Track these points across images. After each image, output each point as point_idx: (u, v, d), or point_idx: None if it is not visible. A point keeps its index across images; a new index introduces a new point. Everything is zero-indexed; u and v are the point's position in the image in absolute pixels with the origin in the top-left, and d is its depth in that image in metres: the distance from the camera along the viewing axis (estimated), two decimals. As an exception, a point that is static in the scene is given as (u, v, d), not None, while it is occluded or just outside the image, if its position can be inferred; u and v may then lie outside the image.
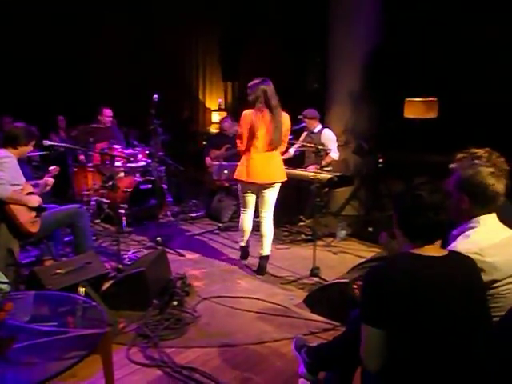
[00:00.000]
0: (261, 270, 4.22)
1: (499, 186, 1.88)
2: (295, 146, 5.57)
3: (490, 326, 1.71)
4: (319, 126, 5.63)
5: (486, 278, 1.75)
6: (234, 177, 4.20)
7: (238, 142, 4.15)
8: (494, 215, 1.92)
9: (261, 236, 4.22)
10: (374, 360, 1.64)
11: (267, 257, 4.24)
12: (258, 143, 3.99)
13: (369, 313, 1.63)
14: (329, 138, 5.54)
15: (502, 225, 1.93)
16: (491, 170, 1.87)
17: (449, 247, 1.85)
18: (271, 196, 4.14)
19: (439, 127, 5.67)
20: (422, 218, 1.65)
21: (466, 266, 1.70)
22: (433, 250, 1.69)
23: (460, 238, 1.89)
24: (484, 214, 1.89)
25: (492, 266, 1.77)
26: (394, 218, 1.76)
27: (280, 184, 4.15)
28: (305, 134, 5.72)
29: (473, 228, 1.90)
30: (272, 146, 4.01)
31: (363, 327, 1.64)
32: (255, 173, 4.02)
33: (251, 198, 4.24)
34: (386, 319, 1.58)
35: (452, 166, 1.99)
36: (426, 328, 1.56)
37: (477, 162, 1.89)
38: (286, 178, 4.15)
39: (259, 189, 4.15)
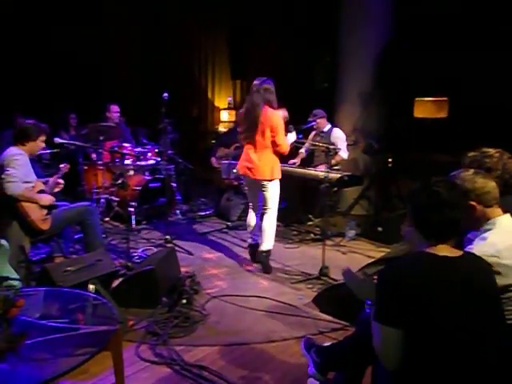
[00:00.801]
0: (262, 266, 4.25)
1: (491, 182, 1.90)
2: (305, 145, 5.56)
3: (504, 327, 1.69)
4: (328, 126, 5.62)
5: (502, 281, 1.74)
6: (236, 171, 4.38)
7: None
8: (508, 216, 1.91)
9: (261, 232, 4.27)
10: (392, 359, 1.62)
11: (267, 251, 4.26)
12: (243, 139, 4.22)
13: (383, 312, 1.62)
14: (338, 137, 5.52)
15: None
16: (471, 172, 1.91)
17: (467, 246, 1.84)
18: (266, 194, 4.18)
19: (449, 127, 5.64)
20: (438, 215, 1.64)
21: (481, 268, 1.69)
22: (448, 251, 1.68)
23: (477, 240, 1.88)
24: (497, 211, 1.88)
25: (510, 268, 1.75)
26: (408, 215, 1.75)
27: (274, 183, 4.16)
28: (313, 133, 5.69)
29: (489, 230, 1.89)
30: (249, 141, 4.13)
31: (378, 326, 1.63)
32: (241, 166, 4.23)
33: (248, 193, 4.40)
34: (401, 318, 1.57)
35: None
36: (439, 328, 1.55)
37: (461, 173, 1.93)
38: (274, 177, 4.13)
39: (255, 186, 4.23)
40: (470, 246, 1.86)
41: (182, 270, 3.93)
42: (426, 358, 1.57)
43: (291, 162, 5.52)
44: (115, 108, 6.04)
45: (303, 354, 2.53)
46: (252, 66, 8.63)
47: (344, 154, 5.48)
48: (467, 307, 1.58)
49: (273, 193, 4.18)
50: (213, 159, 6.40)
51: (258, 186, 4.20)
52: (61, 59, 6.85)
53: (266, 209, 4.23)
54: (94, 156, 5.82)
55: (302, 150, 5.70)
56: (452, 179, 1.92)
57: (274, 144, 4.06)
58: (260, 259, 4.28)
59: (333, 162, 5.15)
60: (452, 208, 1.64)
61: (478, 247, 1.81)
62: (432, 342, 1.56)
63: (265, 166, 4.10)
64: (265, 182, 4.14)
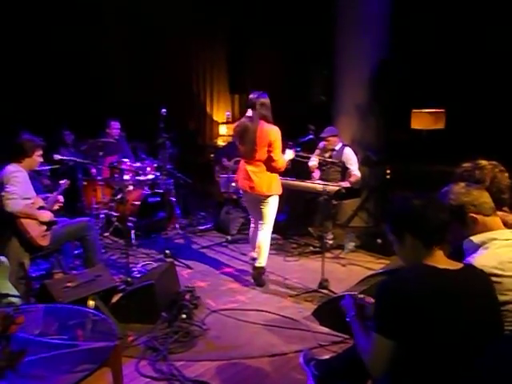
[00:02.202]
0: (256, 281, 4.24)
1: (484, 192, 1.91)
2: (312, 158, 5.46)
3: (503, 339, 1.70)
4: (340, 144, 5.46)
5: (502, 297, 1.73)
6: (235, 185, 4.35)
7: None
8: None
9: (256, 247, 4.26)
10: (380, 368, 1.66)
11: (260, 268, 4.23)
12: (241, 154, 4.24)
13: (383, 324, 1.63)
14: (349, 157, 5.37)
15: None
16: (463, 185, 1.91)
17: (467, 258, 1.84)
18: (265, 209, 4.16)
19: (447, 138, 5.67)
20: (435, 214, 1.68)
21: (481, 281, 1.70)
22: (447, 263, 1.69)
23: (480, 250, 1.88)
24: (497, 221, 1.89)
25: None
26: (394, 230, 1.77)
27: (273, 198, 4.14)
28: (321, 147, 5.55)
29: (493, 240, 1.88)
30: (246, 157, 4.15)
31: (376, 337, 1.64)
32: (240, 180, 4.24)
33: (248, 208, 4.44)
34: (400, 331, 1.58)
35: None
36: (439, 341, 1.56)
37: (453, 188, 1.92)
38: (273, 193, 4.12)
39: (253, 200, 4.22)
40: (472, 255, 1.86)
41: (182, 284, 3.93)
42: (426, 371, 1.58)
43: (315, 176, 5.39)
44: (116, 125, 6.09)
45: (303, 367, 2.53)
46: (250, 80, 8.71)
47: (358, 173, 5.36)
48: (467, 321, 1.59)
49: (270, 208, 4.16)
50: (224, 160, 6.43)
51: (257, 201, 4.19)
52: (58, 74, 6.90)
53: (261, 224, 4.22)
54: (93, 171, 5.84)
55: (314, 162, 5.53)
56: (444, 195, 1.93)
57: (271, 159, 4.04)
58: (253, 275, 4.27)
59: (351, 181, 5.19)
60: (443, 209, 1.70)
61: (480, 259, 1.81)
62: (433, 355, 1.57)
63: (263, 182, 4.09)
64: (263, 197, 4.13)
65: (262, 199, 4.14)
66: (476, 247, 1.88)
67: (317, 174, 5.48)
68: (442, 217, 1.69)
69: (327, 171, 5.37)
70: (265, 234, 4.21)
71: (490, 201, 1.93)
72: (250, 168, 4.12)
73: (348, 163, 5.33)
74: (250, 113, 4.08)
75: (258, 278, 4.25)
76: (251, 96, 4.10)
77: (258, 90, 4.20)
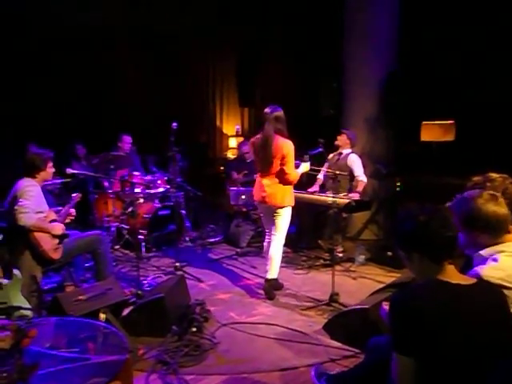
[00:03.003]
0: (267, 293, 4.25)
1: (501, 209, 1.87)
2: (322, 171, 5.50)
3: None
4: (348, 150, 5.48)
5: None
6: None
7: None
8: None
9: (268, 259, 4.29)
10: None
11: (272, 280, 4.27)
12: (258, 168, 4.30)
13: (398, 341, 1.61)
14: (354, 160, 5.38)
15: None
16: (485, 197, 1.86)
17: (474, 269, 1.83)
18: (278, 220, 4.22)
19: (457, 150, 5.66)
20: (444, 230, 1.67)
21: (495, 296, 1.69)
22: (459, 277, 1.69)
23: (488, 261, 1.87)
24: (499, 237, 1.88)
25: None
26: (403, 246, 1.76)
27: (286, 210, 4.20)
28: (332, 155, 5.57)
29: (502, 252, 1.87)
30: (262, 170, 4.22)
31: (395, 356, 1.62)
32: (258, 195, 4.29)
33: (263, 220, 4.47)
34: (415, 348, 1.56)
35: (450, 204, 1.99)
36: (453, 357, 1.55)
37: (469, 195, 1.89)
38: (287, 204, 4.18)
39: (268, 212, 4.28)
40: (480, 267, 1.85)
41: (192, 297, 3.93)
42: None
43: (310, 190, 5.37)
44: (128, 139, 6.16)
45: (314, 382, 2.51)
46: (259, 93, 8.77)
47: (363, 177, 5.38)
48: (481, 337, 1.58)
49: (283, 220, 4.20)
50: (233, 173, 6.48)
51: (271, 213, 4.23)
52: (72, 89, 7.03)
53: (273, 235, 4.26)
54: (106, 184, 5.89)
55: (320, 176, 5.55)
56: (465, 200, 1.91)
57: (283, 172, 4.10)
58: (265, 287, 4.28)
59: (359, 189, 5.19)
60: (449, 224, 1.68)
61: (488, 270, 1.80)
62: (447, 370, 1.55)
63: (277, 193, 4.15)
64: (276, 208, 4.18)
65: (274, 210, 4.18)
66: (484, 259, 1.87)
67: (316, 187, 5.52)
68: (448, 233, 1.68)
69: (335, 182, 5.35)
70: (277, 246, 4.24)
71: (506, 218, 1.91)
72: (265, 181, 4.19)
73: (353, 166, 5.34)
74: (265, 127, 4.13)
75: (269, 290, 4.26)
76: (266, 110, 4.15)
77: (267, 103, 4.27)
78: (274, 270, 4.26)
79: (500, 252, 1.86)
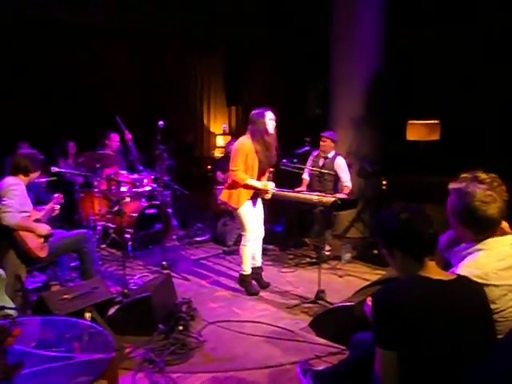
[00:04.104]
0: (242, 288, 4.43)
1: (491, 210, 1.87)
2: (307, 170, 5.52)
3: (495, 347, 1.72)
4: (333, 152, 5.48)
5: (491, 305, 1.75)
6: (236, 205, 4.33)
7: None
8: (502, 239, 1.92)
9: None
10: (391, 382, 1.64)
11: (240, 275, 4.48)
12: (258, 173, 4.30)
13: (380, 335, 1.64)
14: (341, 166, 5.39)
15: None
16: (484, 196, 1.87)
17: (452, 269, 1.86)
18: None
19: (442, 149, 5.72)
20: (426, 227, 1.70)
21: (475, 291, 1.72)
22: (440, 273, 1.72)
23: (466, 259, 1.89)
24: (483, 238, 1.90)
25: (496, 289, 1.77)
26: (385, 243, 1.79)
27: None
28: (315, 153, 5.57)
29: (480, 250, 1.90)
30: (260, 172, 4.33)
31: (377, 350, 1.65)
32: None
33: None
34: (398, 342, 1.59)
35: (451, 186, 2.00)
36: (434, 351, 1.58)
37: (469, 189, 1.89)
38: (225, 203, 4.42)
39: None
40: (458, 265, 1.88)
41: (179, 296, 3.93)
42: (424, 380, 1.59)
43: (297, 189, 5.32)
44: (116, 137, 6.10)
45: (300, 378, 2.53)
46: (246, 92, 8.79)
47: (349, 184, 5.40)
48: (461, 330, 1.61)
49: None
50: (218, 173, 6.48)
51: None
52: (61, 88, 6.99)
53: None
54: (96, 183, 5.83)
55: (305, 176, 5.59)
56: (464, 195, 1.92)
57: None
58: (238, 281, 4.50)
59: (345, 193, 5.23)
60: (429, 222, 1.72)
61: (466, 268, 1.84)
62: (427, 365, 1.58)
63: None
64: None
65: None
66: (463, 257, 1.90)
67: (303, 187, 5.56)
68: (429, 230, 1.71)
69: (321, 182, 5.39)
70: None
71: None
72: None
73: (339, 171, 5.37)
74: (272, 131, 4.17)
75: (241, 285, 4.42)
76: (267, 112, 4.17)
77: (254, 102, 4.28)
78: (242, 265, 4.43)
79: (478, 250, 1.89)
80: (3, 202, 3.52)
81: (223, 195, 4.36)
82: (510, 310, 1.80)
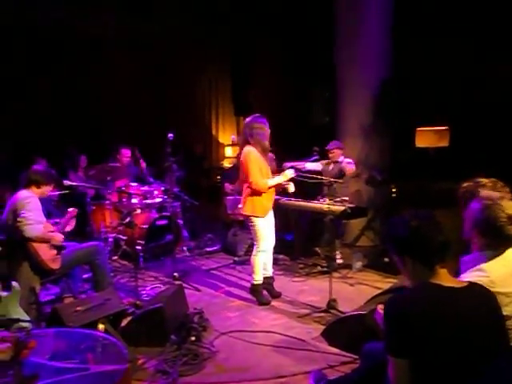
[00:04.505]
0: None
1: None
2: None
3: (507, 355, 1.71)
4: (342, 157, 5.59)
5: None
6: (257, 213, 4.29)
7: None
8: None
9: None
10: None
11: (252, 285, 4.46)
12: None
13: (394, 344, 1.64)
14: (347, 160, 5.53)
15: None
16: (510, 211, 1.87)
17: (460, 277, 1.86)
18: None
19: (451, 155, 5.70)
20: (437, 235, 1.70)
21: (487, 299, 1.72)
22: (452, 281, 1.71)
23: (472, 269, 1.90)
24: (495, 251, 1.90)
25: (503, 296, 1.77)
26: (396, 250, 1.79)
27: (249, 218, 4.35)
28: (325, 162, 5.66)
29: (486, 259, 1.91)
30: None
31: (390, 359, 1.64)
32: (268, 207, 4.36)
33: (268, 230, 4.49)
34: (409, 350, 1.59)
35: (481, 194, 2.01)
36: (447, 359, 1.57)
37: (497, 202, 1.90)
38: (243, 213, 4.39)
39: (270, 220, 4.43)
40: (464, 275, 1.88)
41: (190, 306, 3.94)
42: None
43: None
44: (127, 153, 6.18)
45: (312, 388, 2.52)
46: (255, 102, 8.84)
47: (353, 166, 5.49)
48: (473, 338, 1.61)
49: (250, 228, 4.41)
50: (226, 184, 6.51)
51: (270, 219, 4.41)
52: (72, 102, 7.10)
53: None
54: (107, 195, 5.89)
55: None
56: (488, 208, 1.93)
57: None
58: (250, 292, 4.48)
59: (349, 172, 5.31)
60: (440, 229, 1.71)
61: (473, 275, 1.84)
62: (439, 373, 1.58)
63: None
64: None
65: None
66: (471, 265, 1.90)
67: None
68: (440, 237, 1.71)
69: (332, 190, 5.41)
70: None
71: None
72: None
73: (348, 166, 5.45)
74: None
75: (253, 295, 4.40)
76: (259, 120, 4.25)
77: (262, 112, 4.32)
78: (254, 275, 4.42)
79: (486, 258, 1.90)
80: (23, 215, 3.58)
81: (246, 209, 4.29)
82: None
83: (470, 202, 2.00)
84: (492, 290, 1.76)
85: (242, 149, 4.26)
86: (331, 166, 5.57)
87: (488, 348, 1.62)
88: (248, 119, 4.28)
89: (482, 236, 1.92)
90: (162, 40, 7.91)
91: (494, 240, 1.90)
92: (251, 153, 4.19)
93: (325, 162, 5.64)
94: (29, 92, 6.75)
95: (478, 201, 1.95)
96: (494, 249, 1.91)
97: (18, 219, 3.58)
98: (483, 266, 1.88)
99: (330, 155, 5.57)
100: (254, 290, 4.41)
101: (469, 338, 1.60)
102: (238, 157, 4.36)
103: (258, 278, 4.39)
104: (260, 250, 4.33)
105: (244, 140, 4.26)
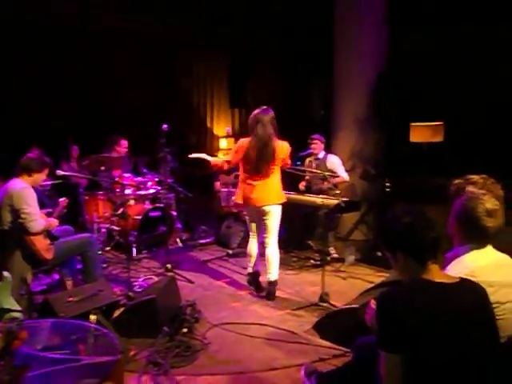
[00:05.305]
0: (270, 295, 4.25)
1: (492, 223, 1.89)
2: (302, 182, 5.58)
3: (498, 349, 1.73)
4: (323, 152, 5.62)
5: None
6: (234, 200, 4.27)
7: (225, 162, 4.27)
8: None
9: (266, 261, 4.27)
10: None
11: (275, 282, 4.27)
12: (250, 170, 4.18)
13: (385, 339, 1.65)
14: (334, 162, 5.52)
15: (494, 250, 1.96)
16: (489, 205, 1.89)
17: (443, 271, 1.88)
18: (271, 221, 4.22)
19: (446, 151, 5.72)
20: (429, 231, 1.71)
21: (478, 294, 1.73)
22: (443, 276, 1.72)
23: (453, 263, 1.93)
24: (473, 245, 1.92)
25: (487, 285, 1.78)
26: (388, 246, 1.80)
27: (278, 209, 4.22)
28: (308, 159, 5.68)
29: (466, 253, 1.94)
30: (259, 173, 4.15)
31: (381, 353, 1.65)
32: (248, 197, 4.20)
33: (251, 221, 4.37)
34: (400, 345, 1.60)
35: (455, 188, 2.03)
36: (438, 354, 1.58)
37: (479, 196, 1.92)
38: (281, 201, 4.23)
39: (258, 214, 4.26)
40: (447, 268, 1.91)
41: (183, 298, 3.94)
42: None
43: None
44: (125, 143, 6.12)
45: (304, 381, 2.54)
46: (250, 94, 8.81)
47: (345, 175, 5.49)
48: (464, 333, 1.62)
49: (276, 218, 4.22)
50: (217, 184, 6.49)
51: (260, 215, 4.23)
52: (67, 93, 7.04)
53: (268, 238, 4.25)
54: (104, 184, 5.82)
55: (302, 188, 5.63)
56: (470, 200, 1.94)
57: (278, 172, 4.22)
58: (270, 289, 4.27)
59: (333, 181, 5.20)
60: (432, 225, 1.73)
61: (454, 269, 1.86)
62: (430, 368, 1.59)
63: (274, 191, 4.19)
64: (272, 209, 4.17)
65: (268, 212, 4.19)
66: (450, 260, 1.94)
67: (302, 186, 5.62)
68: (432, 233, 1.72)
69: (325, 183, 5.43)
70: (275, 248, 4.28)
71: None
72: (257, 183, 4.16)
73: (334, 167, 5.44)
74: (260, 129, 4.08)
75: (274, 291, 4.27)
76: (258, 112, 4.13)
77: (258, 105, 4.27)
78: (276, 271, 4.28)
79: (465, 252, 1.93)
80: (26, 211, 3.56)
81: (274, 197, 4.18)
82: (502, 307, 1.81)
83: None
84: (474, 280, 1.77)
85: (271, 140, 4.09)
86: (314, 164, 5.56)
87: (479, 343, 1.63)
88: (271, 111, 4.14)
89: (460, 228, 1.95)
90: (160, 32, 7.84)
91: (471, 232, 1.92)
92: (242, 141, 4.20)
93: (308, 158, 5.63)
94: (26, 85, 6.69)
95: (462, 196, 1.97)
96: (472, 242, 1.93)
97: (22, 216, 3.56)
98: (462, 257, 1.91)
99: (313, 145, 5.55)
100: (276, 285, 4.30)
101: (460, 334, 1.61)
102: (248, 146, 4.14)
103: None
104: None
105: (274, 131, 4.12)
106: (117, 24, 7.39)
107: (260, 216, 4.25)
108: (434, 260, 1.73)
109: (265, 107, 4.17)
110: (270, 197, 4.18)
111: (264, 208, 4.18)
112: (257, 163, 4.11)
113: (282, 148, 4.14)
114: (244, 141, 4.20)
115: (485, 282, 1.77)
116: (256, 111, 4.16)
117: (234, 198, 4.28)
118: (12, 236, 3.59)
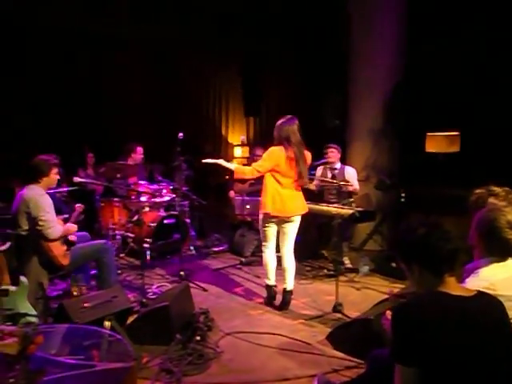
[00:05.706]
0: (284, 304, 4.23)
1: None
2: (314, 182, 5.56)
3: None
4: (339, 163, 5.60)
5: None
6: (262, 210, 4.20)
7: (255, 170, 4.15)
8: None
9: (283, 270, 4.25)
10: None
11: (291, 291, 4.26)
12: (284, 180, 4.13)
13: (401, 352, 1.62)
14: (351, 174, 5.52)
15: None
16: (511, 217, 1.87)
17: (461, 284, 1.86)
18: (292, 230, 4.22)
19: (462, 161, 5.66)
20: (446, 243, 1.68)
21: (495, 307, 1.70)
22: (460, 289, 1.70)
23: (471, 275, 1.90)
24: (494, 257, 1.90)
25: (506, 299, 1.75)
26: (404, 259, 1.78)
27: (300, 218, 4.22)
28: (322, 167, 5.63)
29: (485, 265, 1.91)
30: (299, 183, 4.19)
31: (397, 367, 1.62)
32: (280, 208, 4.11)
33: (273, 231, 4.28)
34: (417, 358, 1.57)
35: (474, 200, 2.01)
36: (455, 368, 1.56)
37: (501, 208, 1.90)
38: (306, 211, 4.26)
39: (280, 222, 4.22)
40: (465, 281, 1.88)
41: (196, 306, 3.95)
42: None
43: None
44: (141, 150, 6.17)
45: (317, 392, 2.52)
46: (264, 103, 8.84)
47: (357, 185, 5.51)
48: (481, 347, 1.59)
49: (297, 227, 4.26)
50: (231, 192, 6.50)
51: (285, 223, 4.19)
52: (83, 101, 7.15)
53: (287, 246, 4.25)
54: (120, 191, 5.88)
55: (313, 187, 5.61)
56: (492, 212, 1.92)
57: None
58: (285, 298, 4.25)
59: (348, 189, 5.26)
60: (449, 237, 1.70)
61: (472, 282, 1.84)
62: (447, 382, 1.57)
63: (302, 200, 4.26)
64: (296, 218, 4.20)
65: (292, 221, 4.20)
66: (469, 273, 1.91)
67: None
68: (448, 246, 1.69)
69: (336, 194, 5.44)
70: (293, 256, 4.29)
71: None
72: (292, 193, 4.17)
73: (352, 180, 5.45)
74: (294, 137, 4.09)
75: (288, 302, 4.26)
76: (287, 122, 4.11)
77: (272, 113, 4.30)
78: (292, 280, 4.27)
79: (484, 265, 1.91)
80: (43, 218, 3.60)
81: (300, 208, 4.21)
82: None
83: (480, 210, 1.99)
84: (493, 293, 1.75)
85: (304, 147, 4.17)
86: (329, 173, 5.55)
87: (496, 357, 1.60)
88: (292, 122, 4.14)
89: (481, 240, 1.93)
90: (175, 41, 7.93)
91: (492, 244, 1.90)
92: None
93: (321, 166, 5.61)
94: (41, 92, 6.79)
95: (483, 207, 1.95)
96: (493, 255, 1.90)
97: (40, 223, 3.60)
98: (480, 270, 1.89)
99: (330, 153, 5.52)
100: (291, 295, 4.30)
101: (477, 348, 1.58)
102: (296, 156, 4.12)
103: None
104: None
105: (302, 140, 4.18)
106: (132, 35, 7.50)
107: (282, 225, 4.22)
108: (452, 272, 1.70)
109: (289, 116, 4.17)
110: (300, 206, 4.21)
111: (293, 218, 4.18)
112: (299, 170, 4.12)
113: (308, 156, 4.25)
114: (276, 149, 4.12)
115: (504, 296, 1.75)
116: (282, 120, 4.15)
117: (260, 207, 4.21)
118: (29, 242, 3.64)
